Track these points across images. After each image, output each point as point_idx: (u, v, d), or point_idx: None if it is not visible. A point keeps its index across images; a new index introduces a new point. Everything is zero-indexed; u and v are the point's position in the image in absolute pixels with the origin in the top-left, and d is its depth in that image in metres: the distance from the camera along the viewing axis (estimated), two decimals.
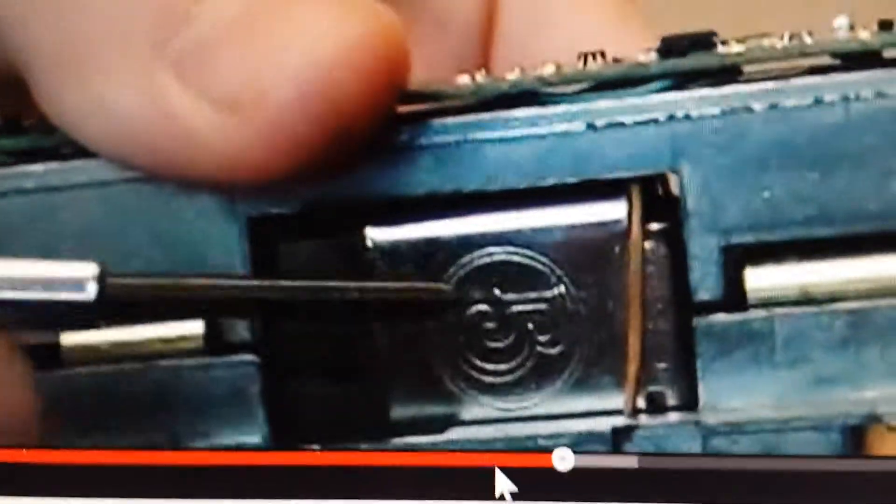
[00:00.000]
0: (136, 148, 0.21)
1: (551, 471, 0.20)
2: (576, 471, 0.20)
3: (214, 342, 0.22)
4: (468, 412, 0.22)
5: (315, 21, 0.20)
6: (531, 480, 0.21)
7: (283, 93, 0.20)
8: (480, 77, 0.22)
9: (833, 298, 0.20)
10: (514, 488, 0.21)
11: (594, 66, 0.21)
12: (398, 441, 0.22)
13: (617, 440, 0.21)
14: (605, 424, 0.21)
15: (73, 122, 0.22)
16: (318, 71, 0.20)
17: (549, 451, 0.21)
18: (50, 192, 0.22)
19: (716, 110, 0.20)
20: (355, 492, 0.21)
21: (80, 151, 0.22)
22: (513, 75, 0.21)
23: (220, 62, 0.20)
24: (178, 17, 0.21)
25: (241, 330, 0.22)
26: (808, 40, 0.20)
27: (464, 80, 0.22)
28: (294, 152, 0.20)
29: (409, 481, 0.21)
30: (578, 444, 0.21)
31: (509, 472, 0.21)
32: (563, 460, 0.20)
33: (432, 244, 0.22)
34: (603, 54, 0.22)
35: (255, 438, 0.22)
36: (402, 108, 0.22)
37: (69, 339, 0.23)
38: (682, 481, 0.20)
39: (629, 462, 0.20)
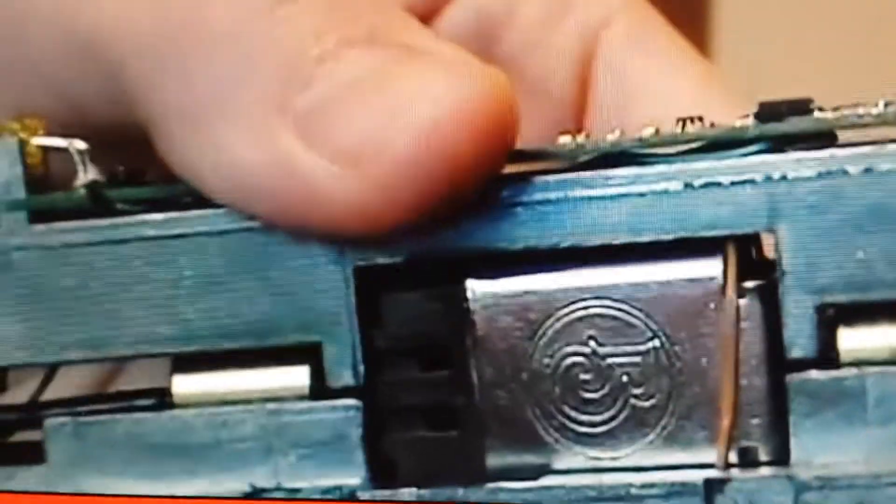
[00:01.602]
0: (258, 199, 0.22)
1: None
2: None
3: (318, 387, 0.23)
4: (561, 461, 0.22)
5: (433, 81, 0.21)
6: None
7: (402, 149, 0.21)
8: (581, 138, 0.23)
9: None
10: None
11: (692, 128, 0.22)
12: (492, 486, 0.22)
13: (709, 493, 0.21)
14: (697, 476, 0.21)
15: (196, 173, 0.23)
16: (437, 129, 0.21)
17: (640, 501, 0.21)
18: (169, 239, 0.23)
19: (812, 173, 0.21)
20: None
21: (199, 201, 0.23)
22: (613, 136, 0.22)
23: (341, 120, 0.21)
24: (301, 77, 0.22)
25: (344, 376, 0.23)
26: None
27: (565, 139, 0.23)
28: (409, 206, 0.21)
29: None
30: (671, 495, 0.21)
31: None
32: None
33: (530, 297, 0.22)
34: (701, 119, 0.22)
35: (355, 480, 0.23)
36: (507, 166, 0.23)
37: (180, 382, 0.24)
38: None
39: None
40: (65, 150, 0.25)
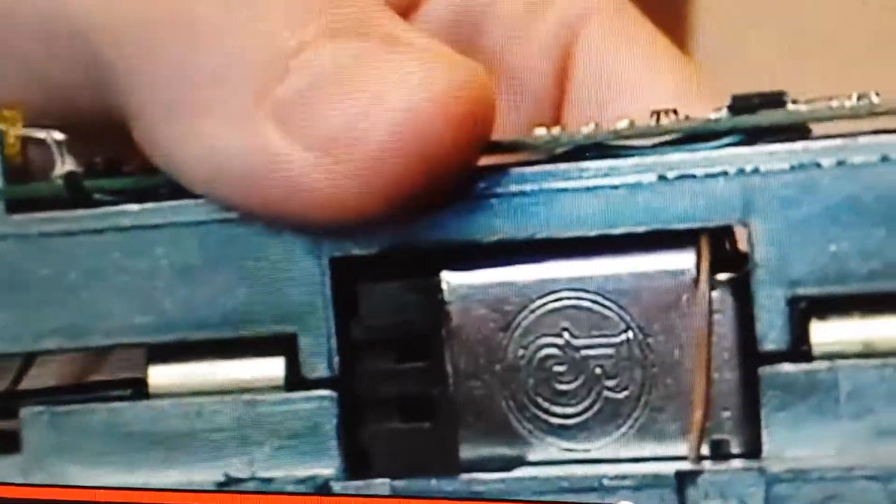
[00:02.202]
0: (236, 189, 0.22)
1: None
2: None
3: (294, 378, 0.23)
4: (535, 453, 0.22)
5: (409, 72, 0.21)
6: None
7: (378, 137, 0.21)
8: (556, 130, 0.23)
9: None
10: None
11: (666, 121, 0.22)
12: (466, 477, 0.22)
13: (681, 484, 0.21)
14: (669, 468, 0.21)
15: (175, 162, 0.23)
16: (412, 118, 0.21)
17: (613, 492, 0.21)
18: (146, 229, 0.23)
19: (785, 165, 0.21)
20: None
21: (176, 192, 0.23)
22: (588, 129, 0.22)
23: (319, 110, 0.22)
24: (279, 68, 0.22)
25: (319, 366, 0.23)
26: (875, 100, 0.21)
27: (540, 132, 0.23)
28: (385, 194, 0.21)
29: None
30: (643, 487, 0.21)
31: None
32: None
33: (505, 288, 0.22)
34: (675, 112, 0.22)
35: (329, 471, 0.23)
36: (482, 158, 0.23)
37: (156, 373, 0.24)
38: None
39: None
40: (43, 141, 0.25)
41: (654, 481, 0.21)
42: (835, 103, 0.21)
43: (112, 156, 0.25)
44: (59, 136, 0.25)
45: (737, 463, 0.21)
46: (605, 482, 0.21)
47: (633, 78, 0.29)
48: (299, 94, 0.22)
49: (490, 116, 0.22)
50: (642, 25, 0.31)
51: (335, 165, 0.21)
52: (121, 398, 0.24)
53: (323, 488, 0.23)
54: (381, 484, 0.22)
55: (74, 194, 0.24)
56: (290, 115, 0.22)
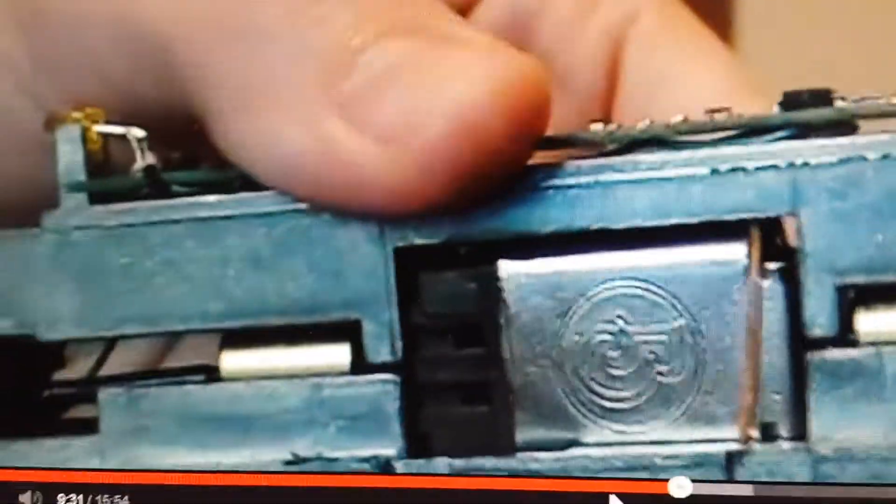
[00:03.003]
0: (304, 181, 0.23)
1: (667, 497, 0.22)
2: (692, 498, 0.22)
3: (358, 362, 0.24)
4: (589, 436, 0.23)
5: (468, 66, 0.22)
6: None
7: (437, 127, 0.22)
8: (612, 126, 0.24)
9: None
10: None
11: (720, 117, 0.23)
12: (522, 456, 0.23)
13: (730, 465, 0.22)
14: (719, 449, 0.22)
15: (245, 156, 0.24)
16: (470, 110, 0.22)
17: (664, 471, 0.22)
18: (219, 220, 0.24)
19: (833, 159, 0.22)
20: None
21: (248, 185, 0.24)
22: (643, 124, 0.23)
23: (382, 104, 0.23)
24: (344, 65, 0.23)
25: (383, 352, 0.24)
26: None
27: (596, 127, 0.24)
28: (444, 182, 0.22)
29: None
30: (693, 466, 0.22)
31: (625, 498, 0.22)
32: (681, 488, 0.22)
33: (561, 277, 0.23)
34: (728, 109, 0.23)
35: (390, 451, 0.24)
36: (540, 153, 0.24)
37: (228, 358, 0.25)
38: None
39: (744, 490, 0.22)
40: (124, 138, 0.26)
41: (705, 460, 0.22)
42: (882, 101, 0.22)
43: (186, 153, 0.26)
44: (139, 132, 0.26)
45: (785, 444, 0.22)
46: (658, 461, 0.22)
47: (682, 75, 0.30)
48: (363, 89, 0.23)
49: (546, 110, 0.23)
50: (689, 23, 0.32)
51: (398, 156, 0.22)
52: (195, 382, 0.25)
53: (385, 467, 0.24)
54: (440, 463, 0.23)
55: (153, 187, 0.25)
56: (355, 109, 0.23)
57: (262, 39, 0.24)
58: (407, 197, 0.23)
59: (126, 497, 0.25)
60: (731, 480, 0.22)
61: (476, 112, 0.22)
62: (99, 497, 0.25)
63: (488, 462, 0.23)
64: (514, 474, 0.23)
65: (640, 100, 0.31)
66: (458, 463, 0.23)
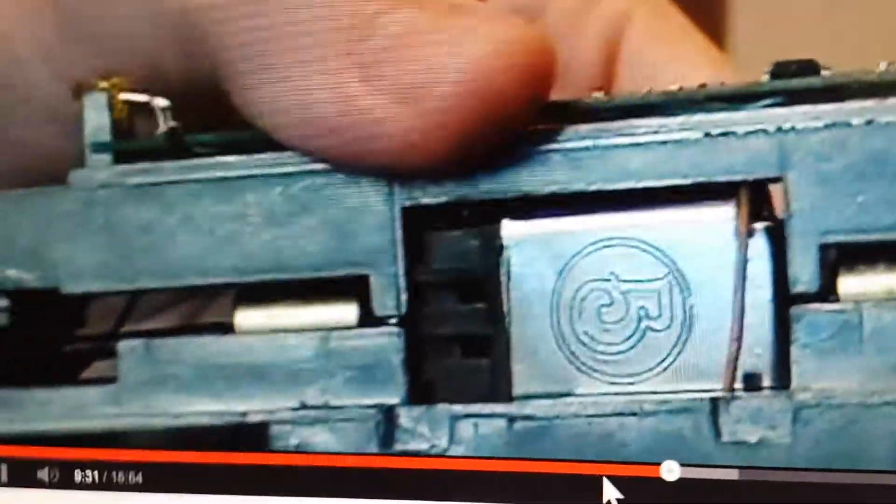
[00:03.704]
0: (323, 137, 0.25)
1: (659, 480, 0.23)
2: (681, 481, 0.23)
3: (365, 315, 0.25)
4: (581, 387, 0.24)
5: (477, 28, 0.24)
6: (638, 489, 0.23)
7: (447, 83, 0.24)
8: (612, 95, 0.25)
9: None
10: (621, 496, 0.23)
11: (713, 85, 0.24)
12: (518, 403, 0.24)
13: (715, 410, 0.23)
14: (705, 397, 0.23)
15: (266, 115, 0.25)
16: (478, 69, 0.23)
17: (653, 416, 0.23)
18: (236, 179, 0.26)
19: (819, 124, 0.23)
20: (464, 496, 0.24)
21: (268, 146, 0.26)
22: (641, 93, 0.25)
23: (399, 64, 0.24)
24: (363, 28, 0.25)
25: (389, 306, 0.25)
26: None
27: (598, 94, 0.25)
28: (455, 140, 0.24)
29: (521, 487, 0.24)
30: (679, 412, 0.23)
31: (617, 481, 0.23)
32: (671, 472, 0.23)
33: (559, 235, 0.25)
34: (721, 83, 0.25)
35: (395, 399, 0.25)
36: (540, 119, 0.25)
37: (243, 315, 0.26)
38: (785, 493, 0.22)
39: (730, 474, 0.23)
40: (148, 106, 0.27)
41: (691, 405, 0.23)
42: (865, 72, 0.23)
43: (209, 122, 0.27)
44: (163, 102, 0.27)
45: (767, 392, 0.23)
46: (646, 406, 0.23)
47: (668, 76, 0.31)
48: (380, 51, 0.24)
49: (551, 74, 0.24)
50: (677, 22, 0.33)
51: (412, 110, 0.24)
52: (211, 333, 0.26)
53: (388, 414, 0.25)
54: (441, 409, 0.25)
55: (175, 147, 0.26)
56: (373, 70, 0.24)
57: (285, 3, 0.25)
58: (420, 152, 0.24)
59: (140, 473, 0.26)
60: (717, 465, 0.23)
61: (484, 70, 0.23)
62: (114, 473, 0.26)
63: (486, 406, 0.24)
64: (510, 418, 0.24)
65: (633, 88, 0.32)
66: (457, 408, 0.25)
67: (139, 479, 0.26)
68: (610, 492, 0.23)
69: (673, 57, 0.32)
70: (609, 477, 0.23)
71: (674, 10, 0.33)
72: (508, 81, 0.23)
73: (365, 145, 0.24)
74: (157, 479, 0.26)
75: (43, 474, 0.26)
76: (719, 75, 0.31)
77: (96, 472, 0.26)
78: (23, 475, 0.27)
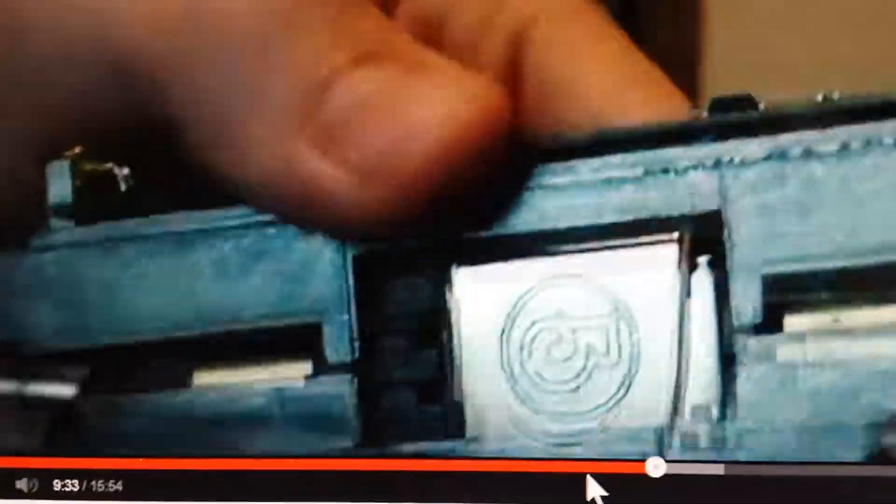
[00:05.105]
0: (272, 202, 0.25)
1: (643, 477, 0.23)
2: (667, 477, 0.23)
3: (318, 363, 0.26)
4: (532, 424, 0.24)
5: (438, 102, 0.24)
6: (622, 486, 0.23)
7: (415, 166, 0.23)
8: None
9: (858, 327, 0.23)
10: (605, 493, 0.23)
11: (654, 123, 0.25)
12: (469, 444, 0.24)
13: (660, 439, 0.23)
14: (650, 426, 0.24)
15: (217, 171, 0.25)
16: (446, 148, 0.23)
17: (602, 445, 0.23)
18: (190, 234, 0.26)
19: (757, 156, 0.23)
20: (449, 497, 0.24)
21: (218, 200, 0.26)
22: (582, 131, 0.25)
23: (356, 137, 0.24)
24: (315, 93, 0.24)
25: (341, 353, 0.25)
26: (835, 97, 0.23)
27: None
28: (417, 212, 0.24)
29: (503, 487, 0.24)
30: (627, 441, 0.24)
31: (601, 478, 0.23)
32: (657, 468, 0.23)
33: (508, 277, 0.25)
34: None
35: (348, 444, 0.25)
36: None
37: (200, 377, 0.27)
38: (771, 488, 0.22)
39: (716, 469, 0.23)
40: (110, 171, 0.28)
41: (637, 435, 0.23)
42: (801, 104, 0.24)
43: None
44: (124, 170, 0.28)
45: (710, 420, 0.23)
46: (596, 437, 0.24)
47: (571, 85, 0.30)
48: (336, 120, 0.24)
49: (508, 125, 0.24)
50: (586, 18, 0.31)
51: (373, 190, 0.24)
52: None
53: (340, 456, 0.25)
54: (393, 452, 0.25)
55: (133, 208, 0.27)
56: (329, 140, 0.24)
57: (238, 57, 0.25)
58: (380, 224, 0.24)
59: (120, 482, 0.26)
60: (703, 460, 0.23)
61: (450, 150, 0.23)
62: (94, 482, 0.26)
63: (437, 450, 0.24)
64: (458, 456, 0.24)
65: (539, 102, 0.31)
66: (408, 449, 0.25)
67: (119, 486, 0.26)
68: (594, 489, 0.23)
69: (574, 58, 0.30)
70: (593, 474, 0.23)
71: (588, 11, 0.31)
72: (475, 154, 0.23)
73: (319, 214, 0.24)
74: (137, 488, 0.26)
75: (22, 484, 0.26)
76: (624, 73, 0.30)
77: (76, 481, 0.26)
78: (1, 486, 0.27)
